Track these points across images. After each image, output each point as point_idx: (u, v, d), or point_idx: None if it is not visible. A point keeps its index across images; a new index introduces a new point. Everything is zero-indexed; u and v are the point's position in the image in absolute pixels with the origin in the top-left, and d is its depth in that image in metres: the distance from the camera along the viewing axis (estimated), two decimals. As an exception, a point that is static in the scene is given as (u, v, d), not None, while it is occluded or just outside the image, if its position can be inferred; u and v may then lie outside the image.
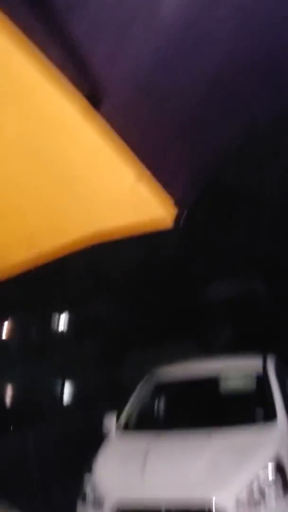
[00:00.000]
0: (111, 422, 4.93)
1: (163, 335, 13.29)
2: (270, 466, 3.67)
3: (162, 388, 5.72)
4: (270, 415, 4.44)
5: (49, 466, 5.74)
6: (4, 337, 32.98)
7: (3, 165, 0.89)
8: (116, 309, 20.06)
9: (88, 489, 3.97)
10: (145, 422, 5.03)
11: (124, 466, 4.05)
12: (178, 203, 0.90)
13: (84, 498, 3.95)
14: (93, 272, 19.64)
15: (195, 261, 17.61)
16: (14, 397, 17.63)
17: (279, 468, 3.68)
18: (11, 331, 34.38)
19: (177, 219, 0.91)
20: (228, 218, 16.10)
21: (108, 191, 0.91)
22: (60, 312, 23.12)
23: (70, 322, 23.83)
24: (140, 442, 4.35)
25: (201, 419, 4.76)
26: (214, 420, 4.66)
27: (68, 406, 10.66)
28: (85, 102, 0.84)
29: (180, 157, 0.94)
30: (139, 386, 5.48)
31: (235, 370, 5.51)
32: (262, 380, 5.08)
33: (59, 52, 0.78)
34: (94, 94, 0.82)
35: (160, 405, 5.64)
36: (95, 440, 4.86)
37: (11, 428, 5.21)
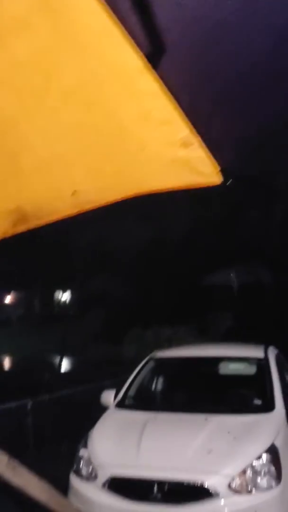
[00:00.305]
0: (109, 398, 4.98)
1: (166, 317, 13.37)
2: (265, 456, 3.70)
3: (162, 369, 5.75)
4: (268, 404, 4.46)
5: (45, 436, 5.83)
6: (7, 308, 33.34)
7: (55, 114, 0.88)
8: (121, 287, 20.19)
9: (82, 462, 4.02)
10: (143, 401, 5.08)
11: (119, 441, 4.09)
12: (223, 172, 0.88)
13: (77, 470, 4.00)
14: (101, 248, 19.72)
15: (206, 244, 17.59)
16: (14, 367, 17.92)
17: (273, 458, 3.71)
18: (15, 303, 34.73)
19: (222, 186, 0.89)
20: (248, 204, 16.05)
21: (157, 150, 0.90)
22: (65, 287, 23.31)
23: (74, 297, 24.03)
24: (136, 420, 4.39)
25: (199, 403, 4.79)
26: (212, 404, 4.69)
27: (67, 380, 10.80)
28: (145, 57, 0.82)
29: (228, 124, 0.92)
30: (139, 366, 5.51)
31: (236, 357, 5.52)
32: (262, 369, 5.10)
33: (126, 5, 0.76)
34: (155, 51, 0.80)
35: (159, 385, 5.68)
36: (92, 414, 4.92)
37: (10, 397, 5.27)
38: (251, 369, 5.36)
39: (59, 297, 26.51)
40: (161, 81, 0.84)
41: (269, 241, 16.22)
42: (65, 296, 24.17)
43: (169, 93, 0.85)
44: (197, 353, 5.88)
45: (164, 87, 0.84)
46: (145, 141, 0.89)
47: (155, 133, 0.89)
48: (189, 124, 0.87)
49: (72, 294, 24.00)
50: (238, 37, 0.79)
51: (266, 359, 5.18)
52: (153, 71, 0.83)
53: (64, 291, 24.31)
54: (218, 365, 5.46)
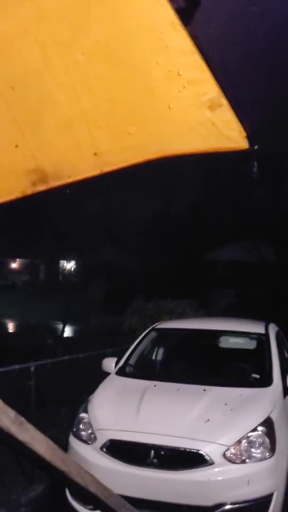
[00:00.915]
0: (110, 365, 5.06)
1: (168, 290, 13.44)
2: (260, 428, 3.77)
3: (163, 340, 5.82)
4: (266, 379, 4.52)
5: (47, 399, 5.95)
6: (13, 274, 33.55)
7: (80, 69, 0.85)
8: (125, 259, 20.24)
9: (81, 425, 4.12)
10: (143, 370, 5.16)
11: (118, 406, 4.17)
12: (250, 136, 0.86)
13: (77, 433, 4.10)
14: (107, 219, 19.69)
15: (211, 219, 17.50)
16: (18, 332, 18.17)
17: (268, 430, 3.78)
18: (21, 269, 34.92)
19: (247, 154, 0.87)
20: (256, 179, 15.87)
21: (184, 111, 0.87)
22: (70, 256, 23.41)
23: (79, 266, 24.16)
24: (136, 387, 4.46)
25: (199, 374, 4.86)
26: (211, 376, 4.76)
27: (69, 346, 10.95)
28: (176, 14, 0.80)
29: (261, 89, 0.90)
30: (141, 336, 5.58)
31: (237, 331, 5.57)
32: (262, 344, 5.15)
33: None
34: (188, 5, 0.77)
35: (160, 355, 5.77)
36: (93, 380, 5.01)
37: (14, 360, 5.36)
38: (251, 344, 5.42)
39: (64, 265, 26.66)
40: (193, 37, 0.81)
41: (274, 218, 16.11)
42: (69, 265, 24.30)
43: (200, 50, 0.82)
44: (198, 326, 5.94)
45: (196, 43, 0.81)
46: (172, 101, 0.87)
47: (183, 92, 0.86)
48: (219, 84, 0.84)
49: (77, 263, 24.13)
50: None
51: (266, 335, 5.23)
52: (186, 26, 0.81)
53: (69, 260, 24.44)
54: (218, 338, 5.52)
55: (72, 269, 23.48)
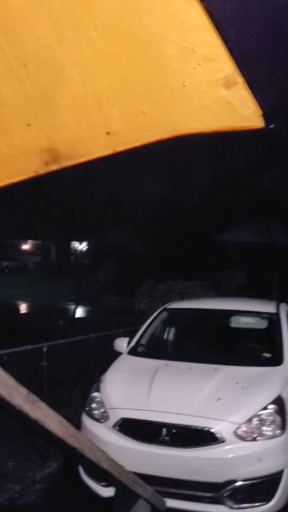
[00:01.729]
0: (122, 345, 5.11)
1: (178, 271, 13.46)
2: (272, 406, 3.80)
3: (174, 320, 5.85)
4: (277, 358, 4.54)
5: (59, 379, 6.04)
6: (25, 255, 33.71)
7: (94, 46, 0.84)
8: (136, 241, 20.25)
9: (94, 403, 4.18)
10: (155, 350, 5.20)
11: (130, 385, 4.23)
12: (266, 116, 0.85)
13: (89, 411, 4.17)
14: (118, 202, 19.64)
15: (222, 201, 17.36)
16: (31, 312, 18.37)
17: (279, 408, 3.81)
18: (33, 251, 35.05)
19: (264, 131, 0.86)
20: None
21: (199, 88, 0.86)
22: (82, 238, 23.48)
23: (90, 248, 24.24)
24: (148, 366, 4.51)
25: (210, 353, 4.90)
26: (222, 355, 4.79)
27: (81, 327, 11.06)
28: None
29: (278, 66, 0.87)
30: (153, 316, 5.61)
31: (248, 311, 5.58)
32: (273, 323, 5.16)
33: None
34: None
35: (171, 335, 5.80)
36: (105, 360, 5.07)
37: (27, 340, 5.44)
38: (262, 323, 5.43)
39: (75, 247, 26.76)
40: (209, 13, 0.79)
41: (285, 199, 15.96)
42: (81, 247, 24.40)
43: (216, 26, 0.80)
44: (209, 306, 5.96)
45: (212, 19, 0.79)
46: (186, 78, 0.85)
47: (198, 70, 0.85)
48: (235, 61, 0.83)
49: (89, 245, 24.21)
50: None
51: (277, 314, 5.23)
52: (201, 2, 0.79)
53: (80, 242, 24.53)
54: (229, 318, 5.53)
55: (83, 251, 23.57)
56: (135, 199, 19.15)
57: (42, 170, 0.95)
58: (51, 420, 1.39)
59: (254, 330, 5.52)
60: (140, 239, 19.87)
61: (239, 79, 0.83)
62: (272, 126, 0.85)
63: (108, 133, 0.91)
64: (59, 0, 0.81)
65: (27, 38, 0.84)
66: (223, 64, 0.83)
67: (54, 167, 0.95)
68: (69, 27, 0.83)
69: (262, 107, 0.86)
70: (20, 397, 1.24)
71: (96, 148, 0.93)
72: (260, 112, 0.86)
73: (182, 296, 11.39)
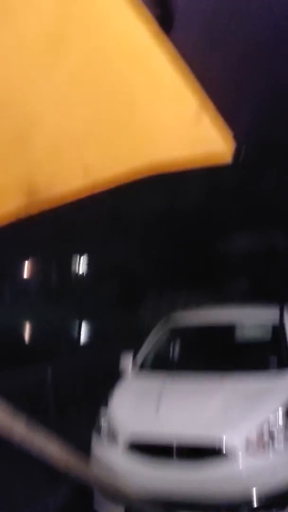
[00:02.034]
0: (127, 361, 5.10)
1: (180, 281, 13.44)
2: (280, 411, 3.78)
3: (178, 332, 5.85)
4: (283, 363, 4.53)
5: (65, 399, 6.02)
6: (25, 275, 33.70)
7: (64, 90, 0.87)
8: (135, 255, 20.25)
9: (103, 422, 4.16)
10: (160, 363, 5.19)
11: (138, 402, 4.22)
12: (237, 139, 0.87)
13: (99, 431, 4.15)
14: (115, 216, 19.68)
15: (219, 209, 17.41)
16: (33, 334, 18.32)
17: None
18: (33, 270, 35.08)
19: (235, 156, 0.88)
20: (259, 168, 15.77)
21: (169, 120, 0.88)
22: (81, 254, 23.48)
23: (90, 264, 24.22)
24: (155, 381, 4.50)
25: (215, 363, 4.88)
26: (228, 365, 4.78)
27: (85, 345, 11.05)
28: (155, 25, 0.80)
29: (243, 92, 0.90)
30: (155, 329, 5.61)
31: (251, 317, 5.58)
32: (277, 328, 5.16)
33: None
34: (166, 18, 0.78)
35: (176, 347, 5.79)
36: (111, 377, 5.05)
37: (32, 362, 5.43)
38: (266, 328, 5.42)
39: (76, 266, 26.76)
40: (173, 50, 0.82)
41: (283, 204, 16.01)
42: (81, 265, 24.41)
43: (180, 65, 0.83)
44: (212, 315, 5.95)
45: (175, 59, 0.82)
46: (156, 116, 0.88)
47: (167, 108, 0.87)
48: (202, 92, 0.85)
49: (88, 263, 24.20)
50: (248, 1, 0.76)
51: (281, 318, 5.22)
52: (163, 42, 0.81)
53: (80, 260, 24.54)
54: (233, 327, 5.53)
55: (84, 269, 23.58)
56: (130, 212, 19.17)
57: (23, 210, 0.97)
58: (52, 447, 1.39)
59: (258, 335, 5.51)
60: (140, 253, 19.89)
61: (207, 110, 0.86)
62: (240, 159, 0.88)
63: (86, 172, 0.93)
64: (28, 49, 0.84)
65: (0, 87, 0.87)
66: (190, 100, 0.85)
67: (34, 207, 0.97)
68: (40, 75, 0.86)
69: (231, 135, 0.88)
70: (19, 425, 1.24)
71: (76, 185, 0.96)
72: (230, 140, 0.88)
73: (187, 307, 11.39)
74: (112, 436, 4.05)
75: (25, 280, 33.05)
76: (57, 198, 0.95)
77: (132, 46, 0.82)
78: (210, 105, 0.88)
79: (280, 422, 3.74)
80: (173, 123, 0.90)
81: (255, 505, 3.49)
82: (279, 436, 3.69)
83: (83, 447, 3.97)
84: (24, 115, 0.89)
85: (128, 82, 0.85)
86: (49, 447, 1.35)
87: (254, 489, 3.49)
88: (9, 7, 0.78)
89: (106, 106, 0.88)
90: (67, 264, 28.87)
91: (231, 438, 3.65)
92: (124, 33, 0.82)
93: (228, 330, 5.61)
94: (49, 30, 0.82)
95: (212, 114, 0.89)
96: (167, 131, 0.91)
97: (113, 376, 4.94)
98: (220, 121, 0.89)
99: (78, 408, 5.94)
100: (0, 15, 0.79)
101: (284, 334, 4.95)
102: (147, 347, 5.31)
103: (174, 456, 3.70)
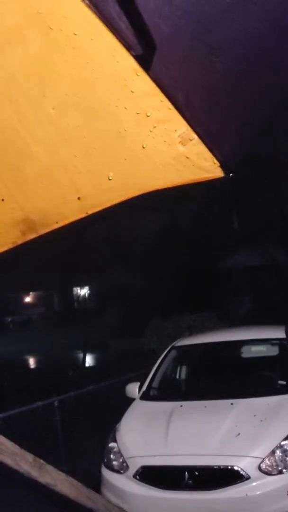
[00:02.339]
0: (134, 390, 5.02)
1: (184, 305, 13.39)
2: None
3: (184, 358, 5.78)
4: (293, 385, 4.46)
5: (74, 432, 5.92)
6: (28, 308, 33.59)
7: (53, 121, 0.89)
8: (137, 279, 20.25)
9: (111, 454, 4.08)
10: (167, 391, 5.11)
11: (147, 432, 4.14)
12: (224, 165, 0.89)
13: (108, 463, 4.06)
14: (115, 241, 19.78)
15: (218, 229, 17.49)
16: (39, 366, 18.15)
17: None
18: (35, 302, 34.96)
19: (223, 180, 0.90)
20: (257, 185, 15.93)
21: (158, 149, 0.91)
22: (82, 283, 23.49)
23: (92, 292, 24.20)
24: (162, 409, 4.42)
25: (224, 388, 4.80)
26: (236, 388, 4.70)
27: (91, 375, 10.92)
28: (135, 61, 0.84)
29: (228, 112, 0.92)
30: (162, 356, 5.55)
31: (258, 339, 5.51)
32: (284, 349, 5.09)
33: (113, 7, 0.77)
34: (146, 50, 0.81)
35: (183, 374, 5.71)
36: (118, 407, 4.98)
37: (37, 396, 5.38)
38: (273, 350, 5.36)
39: (78, 293, 26.73)
40: (155, 80, 0.84)
41: (283, 220, 16.10)
42: (83, 292, 24.37)
43: (164, 91, 0.85)
44: (218, 339, 5.90)
45: (159, 85, 0.85)
46: (145, 141, 0.90)
47: (154, 132, 0.89)
48: (187, 119, 0.87)
49: (90, 289, 24.18)
50: (229, 26, 0.78)
51: (287, 338, 5.17)
52: (147, 70, 0.84)
53: (82, 287, 24.52)
54: (240, 349, 5.47)
55: (86, 296, 23.52)
56: (130, 236, 19.27)
57: (20, 240, 0.98)
58: (61, 483, 1.37)
59: (266, 358, 5.44)
60: (142, 277, 19.88)
61: (193, 135, 0.88)
62: (231, 175, 0.89)
63: (79, 198, 0.95)
64: (17, 84, 0.87)
65: None
66: (176, 123, 0.87)
67: (31, 236, 0.99)
68: (28, 108, 0.89)
69: (219, 158, 0.90)
70: (27, 464, 1.23)
71: (70, 213, 0.97)
72: (218, 163, 0.90)
73: (191, 330, 11.28)
74: (122, 467, 3.97)
75: (28, 310, 32.99)
76: (52, 223, 0.96)
77: (116, 77, 0.85)
78: (194, 134, 0.91)
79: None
80: (160, 153, 0.92)
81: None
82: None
83: (92, 478, 3.89)
84: (16, 147, 0.92)
85: (115, 111, 0.88)
86: (58, 482, 1.33)
87: (268, 511, 3.40)
88: None
89: (95, 135, 0.90)
90: (69, 292, 28.84)
91: (244, 466, 3.57)
92: (107, 66, 0.85)
93: (235, 354, 5.54)
94: (35, 62, 0.84)
95: (197, 142, 0.91)
96: (155, 161, 0.93)
97: (121, 406, 4.87)
98: (205, 149, 0.92)
99: (87, 442, 5.86)
100: None
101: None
102: (154, 374, 5.25)
103: (186, 484, 3.61)
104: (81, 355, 15.33)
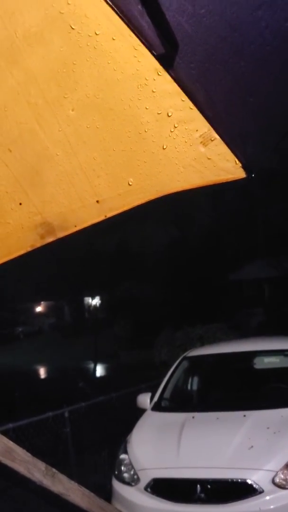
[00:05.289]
0: (145, 401, 4.97)
1: (195, 317, 13.32)
2: None
3: (196, 369, 5.72)
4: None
5: (84, 443, 5.87)
6: (39, 318, 33.65)
7: (73, 124, 0.89)
8: (148, 291, 20.20)
9: (122, 466, 4.03)
10: (179, 402, 5.06)
11: (158, 443, 4.08)
12: (245, 166, 0.88)
13: (119, 475, 4.01)
14: (124, 254, 19.80)
15: (230, 240, 17.42)
16: (49, 377, 18.11)
17: None
18: (46, 313, 35.02)
19: (245, 182, 0.89)
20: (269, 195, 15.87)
21: (178, 150, 0.90)
22: (93, 294, 23.49)
23: (103, 304, 24.18)
24: (174, 421, 4.37)
25: (236, 400, 4.74)
26: (249, 400, 4.64)
27: (102, 386, 10.87)
28: (157, 61, 0.83)
29: (250, 119, 0.91)
30: (173, 367, 5.50)
31: (271, 350, 5.45)
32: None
33: (135, 6, 0.76)
34: (168, 49, 0.81)
35: (194, 385, 5.65)
36: (129, 419, 4.93)
37: (48, 408, 5.34)
38: (286, 362, 5.28)
39: (88, 305, 26.74)
40: (177, 80, 0.84)
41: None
42: (93, 304, 24.37)
43: (186, 91, 0.85)
44: (230, 349, 5.83)
45: (180, 85, 0.84)
46: (165, 141, 0.89)
47: (175, 133, 0.88)
48: (209, 119, 0.86)
49: (101, 301, 24.17)
50: (255, 24, 0.78)
51: None
52: (168, 70, 0.83)
53: (92, 298, 24.53)
54: (252, 360, 5.40)
55: (97, 308, 23.51)
56: (140, 249, 19.28)
57: (38, 243, 0.98)
58: (73, 492, 1.34)
59: (279, 369, 5.37)
60: (153, 289, 19.83)
61: (215, 136, 0.87)
62: (253, 175, 0.88)
63: (97, 201, 0.94)
64: (36, 86, 0.86)
65: (9, 124, 0.89)
66: (198, 124, 0.86)
67: (49, 239, 0.98)
68: (47, 110, 0.88)
69: (241, 159, 0.88)
70: (39, 472, 1.20)
71: (88, 216, 0.96)
72: (240, 164, 0.88)
73: (202, 341, 11.20)
74: (133, 479, 3.91)
75: (38, 320, 33.04)
76: (70, 227, 0.95)
77: (138, 78, 0.84)
78: (216, 135, 0.90)
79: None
80: (180, 155, 0.91)
81: None
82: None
83: (102, 491, 3.83)
84: (35, 151, 0.91)
85: (136, 112, 0.87)
86: (70, 491, 1.30)
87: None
88: (16, 44, 0.81)
89: (115, 137, 0.89)
90: (80, 303, 28.86)
91: (257, 475, 3.50)
92: (129, 66, 0.84)
93: (247, 365, 5.48)
94: (56, 65, 0.84)
95: (218, 143, 0.90)
96: (175, 163, 0.92)
97: (132, 418, 4.82)
98: (227, 150, 0.90)
99: (98, 453, 5.79)
100: (8, 52, 0.81)
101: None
102: (165, 385, 5.20)
103: (198, 498, 3.54)
104: (92, 366, 15.26)
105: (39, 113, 0.89)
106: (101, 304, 23.74)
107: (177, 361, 5.60)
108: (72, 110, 0.88)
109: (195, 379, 5.68)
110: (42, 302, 34.60)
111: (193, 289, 17.86)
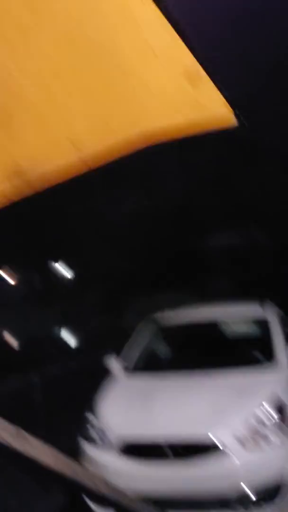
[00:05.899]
0: (113, 364, 5.02)
1: (163, 282, 13.41)
2: (268, 404, 3.77)
3: (163, 331, 5.80)
4: (270, 357, 4.53)
5: (54, 406, 5.90)
6: (6, 283, 33.08)
7: (49, 57, 0.80)
8: (116, 258, 20.15)
9: (91, 428, 4.08)
10: (146, 364, 5.13)
11: (127, 404, 4.15)
12: (232, 103, 0.82)
13: (88, 436, 4.06)
14: (93, 218, 19.53)
15: (199, 206, 17.40)
16: (17, 342, 18.00)
17: (278, 407, 3.78)
18: (14, 278, 34.44)
19: (233, 120, 0.83)
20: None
21: (160, 86, 0.83)
22: (61, 260, 23.24)
23: (71, 270, 23.98)
24: (142, 382, 4.44)
25: (202, 361, 4.84)
26: (215, 362, 4.75)
27: (70, 351, 10.91)
28: None
29: (237, 57, 0.86)
30: (138, 329, 5.55)
31: (235, 314, 5.58)
32: (263, 324, 5.16)
33: None
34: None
35: (161, 347, 5.74)
36: (98, 382, 4.97)
37: (17, 372, 5.31)
38: (250, 325, 5.43)
39: (56, 272, 26.49)
40: (162, 10, 0.77)
41: (265, 200, 16.08)
42: (61, 271, 24.18)
43: (172, 22, 0.78)
44: (197, 315, 5.92)
45: (167, 16, 0.77)
46: (147, 76, 0.82)
47: (158, 65, 0.81)
48: (193, 57, 0.80)
49: (69, 268, 23.97)
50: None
51: (264, 314, 5.24)
52: (151, 5, 0.77)
53: (60, 266, 24.31)
54: (218, 325, 5.52)
55: (64, 275, 23.34)
56: (109, 216, 19.06)
57: (13, 195, 0.90)
58: (42, 453, 1.33)
59: (244, 332, 5.51)
60: (120, 256, 19.74)
61: (202, 73, 0.81)
62: (245, 123, 0.82)
63: (75, 148, 0.87)
64: (6, 10, 0.78)
65: None
66: (182, 54, 0.80)
67: (26, 190, 0.90)
68: (21, 41, 0.80)
69: (232, 105, 0.83)
70: (8, 434, 1.18)
71: (67, 166, 0.89)
72: (230, 108, 0.83)
73: (170, 307, 11.32)
74: (102, 440, 3.97)
75: (6, 288, 32.55)
76: (44, 178, 0.88)
77: (121, 6, 0.77)
78: (201, 70, 0.83)
79: (268, 415, 3.73)
80: (162, 90, 0.84)
81: (248, 499, 3.47)
82: (268, 429, 3.67)
83: (72, 453, 3.87)
84: (7, 89, 0.83)
85: (118, 43, 0.80)
86: (41, 453, 1.29)
87: (245, 484, 3.47)
88: None
89: (95, 72, 0.81)
90: (48, 271, 28.48)
91: (219, 434, 3.62)
92: None
93: (213, 328, 5.59)
94: None
95: (204, 79, 0.84)
96: (157, 98, 0.85)
97: (99, 380, 4.85)
98: (212, 86, 0.84)
99: (68, 416, 5.83)
100: None
101: (270, 328, 4.96)
102: (132, 348, 5.25)
103: (167, 455, 3.64)
104: (61, 332, 15.26)
105: (12, 45, 0.80)
106: (68, 272, 23.57)
107: (143, 325, 5.66)
108: (48, 42, 0.80)
109: (162, 342, 5.77)
110: (8, 270, 33.99)
111: (160, 256, 17.88)
